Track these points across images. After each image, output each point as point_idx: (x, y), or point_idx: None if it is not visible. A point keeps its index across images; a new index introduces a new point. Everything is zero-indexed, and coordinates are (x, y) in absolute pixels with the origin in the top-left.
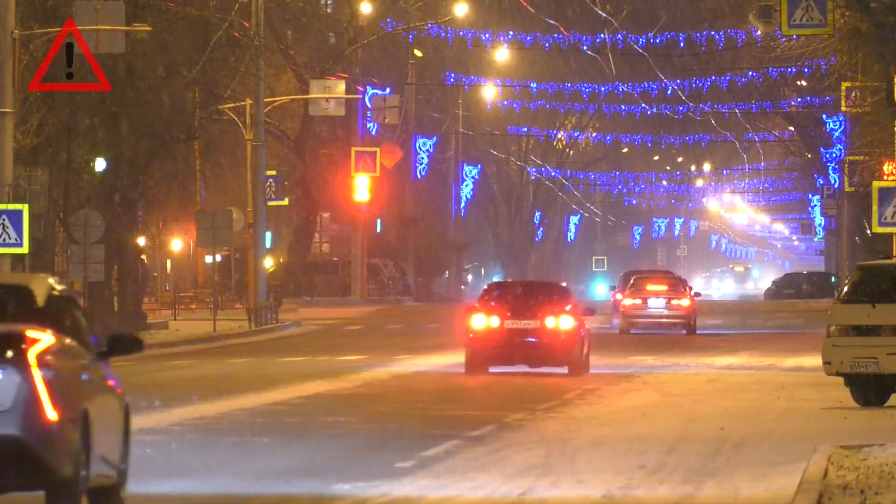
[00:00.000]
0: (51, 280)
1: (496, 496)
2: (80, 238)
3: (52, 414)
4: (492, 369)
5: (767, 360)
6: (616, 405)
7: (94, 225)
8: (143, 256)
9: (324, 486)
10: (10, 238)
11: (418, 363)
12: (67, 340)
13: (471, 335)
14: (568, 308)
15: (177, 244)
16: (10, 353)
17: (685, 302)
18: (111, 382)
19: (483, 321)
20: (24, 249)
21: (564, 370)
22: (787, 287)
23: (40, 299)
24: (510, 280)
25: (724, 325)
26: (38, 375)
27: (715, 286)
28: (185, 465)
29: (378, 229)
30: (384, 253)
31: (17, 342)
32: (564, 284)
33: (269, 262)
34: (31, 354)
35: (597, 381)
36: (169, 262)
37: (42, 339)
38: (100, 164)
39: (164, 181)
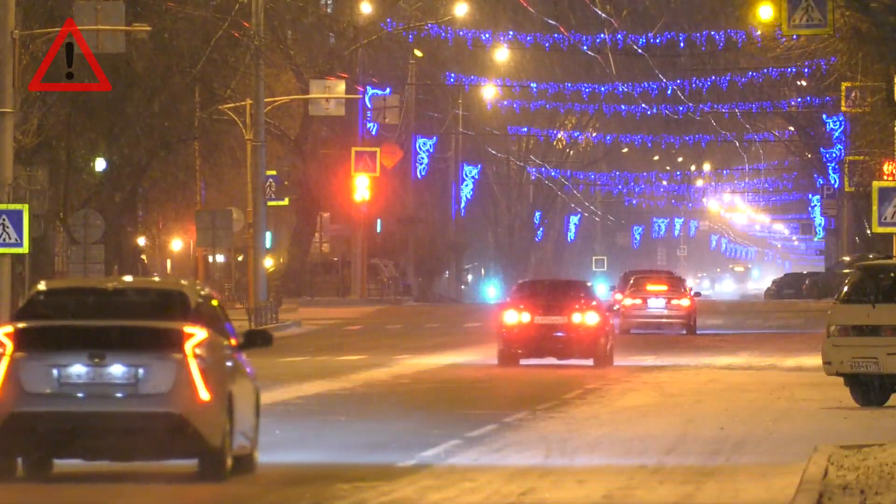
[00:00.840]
0: (199, 285)
1: (496, 496)
2: (80, 238)
3: (205, 395)
4: (522, 362)
5: (767, 360)
6: (616, 405)
7: (94, 225)
8: (143, 256)
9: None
10: (10, 238)
11: (419, 363)
12: (215, 335)
13: (503, 330)
14: (593, 304)
15: (177, 244)
16: (172, 346)
17: (685, 302)
18: (247, 370)
19: (515, 317)
20: (24, 249)
21: (590, 362)
22: (787, 287)
23: (193, 302)
24: (539, 279)
25: (724, 325)
26: (193, 364)
27: (705, 287)
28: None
29: (378, 229)
30: (384, 253)
31: (177, 337)
32: (589, 283)
33: (269, 262)
34: (188, 347)
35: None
36: (169, 262)
37: (196, 335)
38: (100, 164)
39: (164, 181)
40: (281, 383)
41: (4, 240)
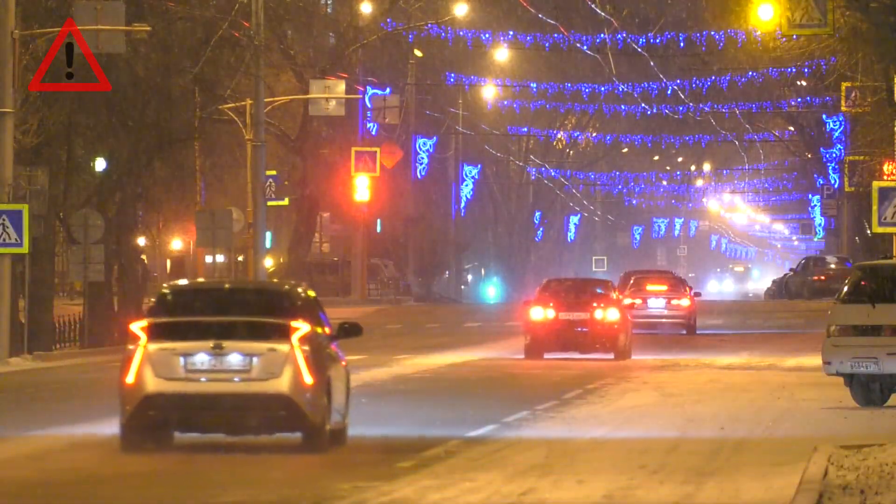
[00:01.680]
0: (303, 286)
1: (496, 496)
2: (80, 238)
3: (308, 379)
4: (546, 355)
5: (767, 360)
6: (616, 405)
7: (94, 225)
8: (143, 256)
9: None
10: (10, 238)
11: (418, 363)
12: (316, 328)
13: (530, 325)
14: (613, 301)
15: (177, 244)
16: (281, 338)
17: (685, 302)
18: (339, 357)
19: (541, 313)
20: (24, 249)
21: (611, 356)
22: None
23: (297, 299)
24: (563, 277)
25: (724, 325)
26: (298, 353)
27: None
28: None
29: (378, 229)
30: (384, 253)
31: (285, 330)
32: (610, 281)
33: (269, 262)
34: (294, 339)
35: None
36: (169, 262)
37: (300, 328)
38: (100, 164)
39: (164, 181)
40: None
41: (4, 240)
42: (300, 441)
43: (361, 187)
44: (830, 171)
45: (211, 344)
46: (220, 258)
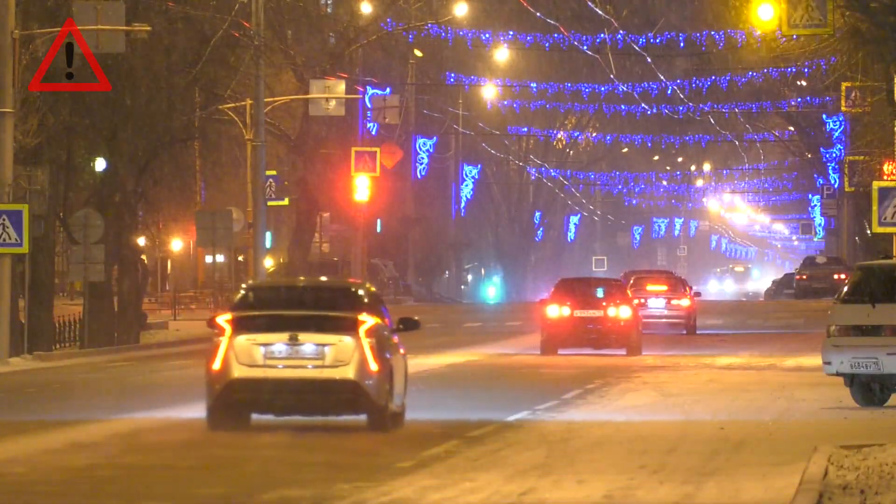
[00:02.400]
0: (367, 284)
1: (496, 496)
2: (80, 238)
3: (373, 367)
4: (560, 351)
5: (767, 360)
6: (616, 405)
7: (94, 225)
8: (143, 256)
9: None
10: (10, 238)
11: (419, 363)
12: (380, 321)
13: (546, 323)
14: (625, 300)
15: (177, 244)
16: (349, 330)
17: (685, 302)
18: (399, 347)
19: (556, 311)
20: (24, 249)
21: (623, 352)
22: (787, 287)
23: (363, 296)
24: (577, 277)
25: (724, 325)
26: (365, 343)
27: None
28: None
29: (378, 229)
30: (384, 253)
31: (354, 323)
32: (622, 280)
33: (269, 262)
34: (362, 330)
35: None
36: (169, 262)
37: (367, 321)
38: (100, 164)
39: (164, 181)
40: None
41: (4, 240)
42: (365, 423)
43: (361, 187)
44: (830, 171)
45: (287, 335)
46: (220, 258)
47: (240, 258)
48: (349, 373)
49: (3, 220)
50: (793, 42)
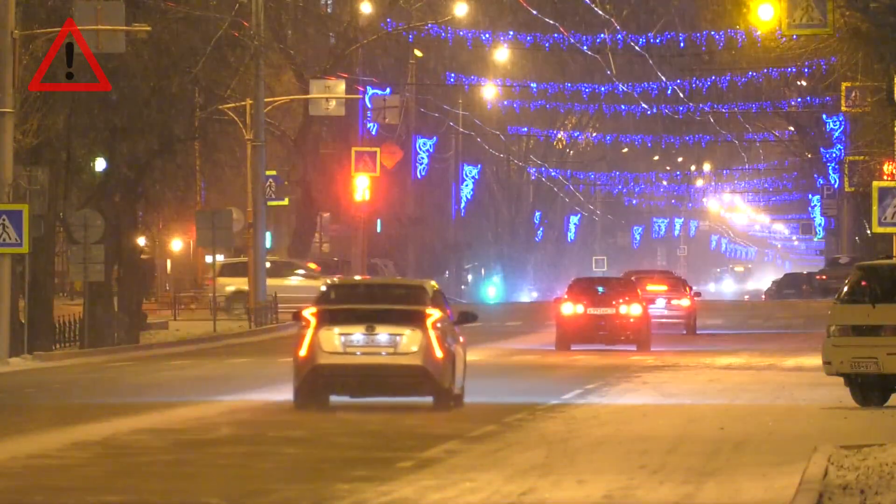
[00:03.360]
0: (431, 282)
1: (496, 496)
2: (80, 238)
3: (439, 354)
4: (573, 347)
5: (767, 360)
6: (616, 405)
7: (94, 225)
8: (144, 256)
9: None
10: (10, 238)
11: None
12: (443, 314)
13: (560, 320)
14: (636, 299)
15: (177, 244)
16: (418, 322)
17: (685, 302)
18: (460, 337)
19: (570, 308)
20: (24, 249)
21: (633, 348)
22: (786, 287)
23: (429, 292)
24: (590, 277)
25: (724, 325)
26: (432, 334)
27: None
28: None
29: (378, 229)
30: (384, 253)
31: (422, 316)
32: (632, 280)
33: (268, 263)
34: (429, 322)
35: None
36: (169, 262)
37: (433, 314)
38: (100, 164)
39: (164, 181)
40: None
41: (4, 240)
42: (431, 404)
43: (361, 187)
44: (830, 171)
45: (364, 326)
46: (220, 258)
47: (242, 258)
48: (418, 359)
49: (3, 220)
50: (793, 42)
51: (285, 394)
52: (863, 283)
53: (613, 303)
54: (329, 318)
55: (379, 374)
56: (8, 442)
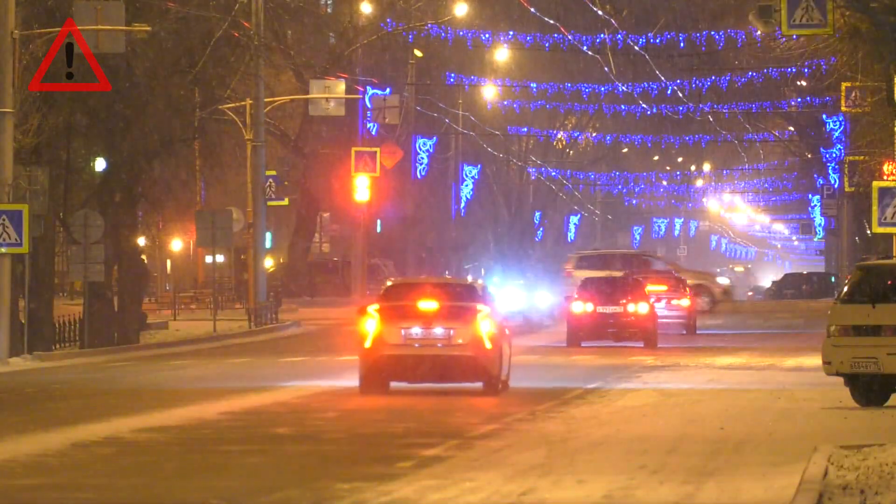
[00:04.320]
0: (480, 281)
1: (496, 496)
2: (80, 238)
3: (488, 345)
4: (583, 343)
5: (767, 360)
6: (616, 405)
7: (94, 225)
8: (143, 256)
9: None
10: (10, 238)
11: None
12: (493, 310)
13: (571, 318)
14: (643, 298)
15: (177, 244)
16: (470, 317)
17: (685, 302)
18: (506, 330)
19: (581, 307)
20: (24, 249)
21: (640, 344)
22: (786, 287)
23: (480, 291)
24: (600, 277)
25: (724, 325)
26: (481, 327)
27: None
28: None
29: (378, 229)
30: (384, 253)
31: (473, 312)
32: (641, 279)
33: (269, 262)
34: (479, 317)
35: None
36: (169, 262)
37: (483, 310)
38: (100, 164)
39: (164, 181)
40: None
41: (4, 240)
42: (481, 388)
43: (361, 187)
44: (830, 171)
45: (422, 321)
46: (220, 258)
47: (241, 257)
48: (469, 350)
49: (3, 220)
50: (793, 42)
51: (285, 394)
52: (863, 283)
53: (622, 301)
54: (391, 314)
55: (435, 364)
56: (8, 442)
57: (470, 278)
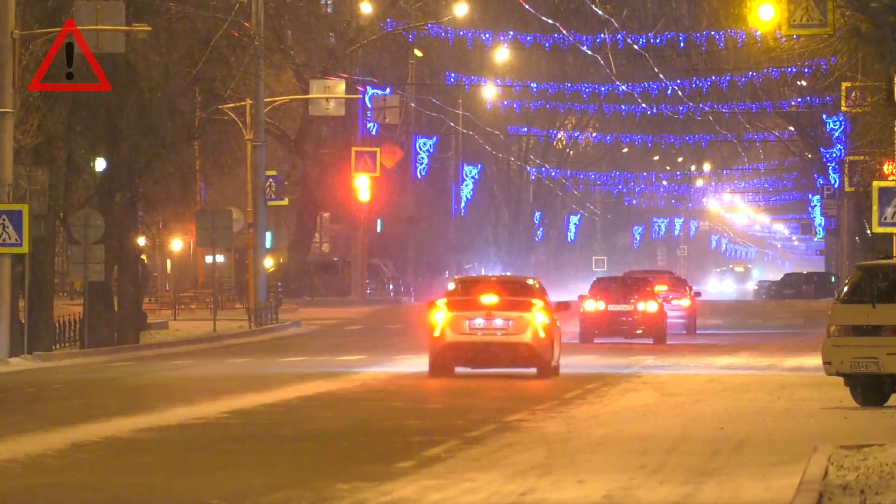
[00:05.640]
0: (535, 278)
1: (496, 496)
2: (80, 238)
3: (542, 334)
4: (596, 340)
5: (767, 360)
6: (616, 405)
7: (94, 225)
8: (143, 256)
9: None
10: (10, 238)
11: (418, 363)
12: (545, 303)
13: (584, 316)
14: (653, 296)
15: (177, 244)
16: (526, 309)
17: (685, 302)
18: (557, 322)
19: (593, 305)
20: (24, 249)
21: (650, 341)
22: (786, 287)
23: (534, 286)
24: (611, 276)
25: (724, 325)
26: (536, 319)
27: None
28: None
29: (378, 229)
30: (384, 253)
31: (529, 305)
32: (649, 279)
33: (269, 262)
34: (534, 310)
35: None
36: (169, 262)
37: (538, 304)
38: (100, 164)
39: (164, 181)
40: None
41: (4, 240)
42: (535, 373)
43: (361, 187)
44: (830, 171)
45: (484, 313)
46: (220, 258)
47: (236, 257)
48: (526, 338)
49: (3, 220)
50: (793, 42)
51: (284, 394)
52: (863, 283)
53: (632, 300)
54: (457, 306)
55: (495, 351)
56: (8, 442)
57: (528, 276)
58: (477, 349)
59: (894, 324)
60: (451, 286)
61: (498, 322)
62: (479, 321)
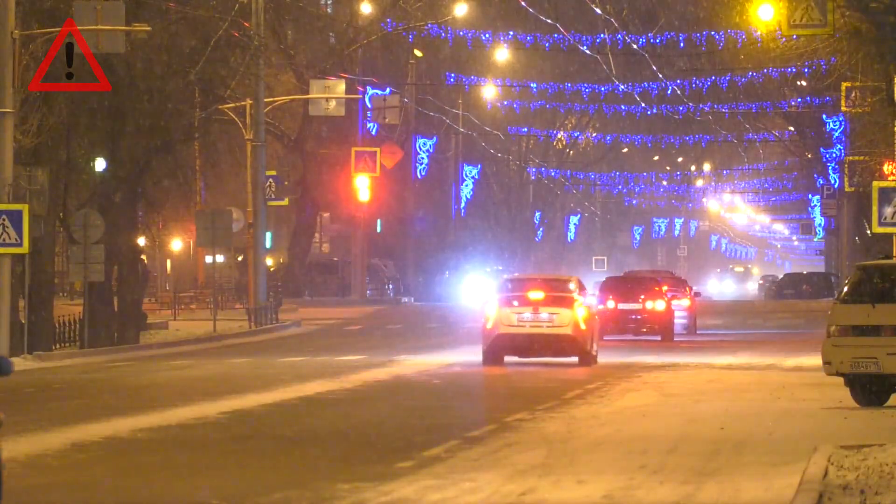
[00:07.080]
0: (576, 277)
1: (496, 496)
2: (80, 238)
3: (583, 327)
4: (605, 337)
5: (767, 360)
6: (616, 405)
7: (94, 225)
8: (143, 256)
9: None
10: (10, 238)
11: (419, 363)
12: (585, 299)
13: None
14: (661, 295)
15: (177, 244)
16: (569, 304)
17: (685, 302)
18: (595, 315)
19: (602, 304)
20: (24, 249)
21: (658, 338)
22: (787, 287)
23: (575, 284)
24: (621, 276)
25: (724, 325)
26: (578, 313)
27: None
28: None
29: (378, 229)
30: (384, 253)
31: (571, 300)
32: (657, 279)
33: (269, 262)
34: (575, 305)
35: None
36: (169, 262)
37: (578, 299)
38: (100, 164)
39: (164, 181)
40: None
41: (4, 240)
42: (577, 361)
43: (361, 187)
44: (830, 171)
45: (532, 308)
46: (220, 258)
47: (239, 258)
48: (569, 330)
49: (3, 220)
50: (793, 42)
51: (284, 394)
52: (863, 283)
53: (640, 298)
54: (507, 302)
55: (541, 341)
56: (8, 442)
57: (570, 276)
58: (525, 340)
59: (894, 324)
60: (502, 283)
61: (544, 316)
62: (527, 315)
